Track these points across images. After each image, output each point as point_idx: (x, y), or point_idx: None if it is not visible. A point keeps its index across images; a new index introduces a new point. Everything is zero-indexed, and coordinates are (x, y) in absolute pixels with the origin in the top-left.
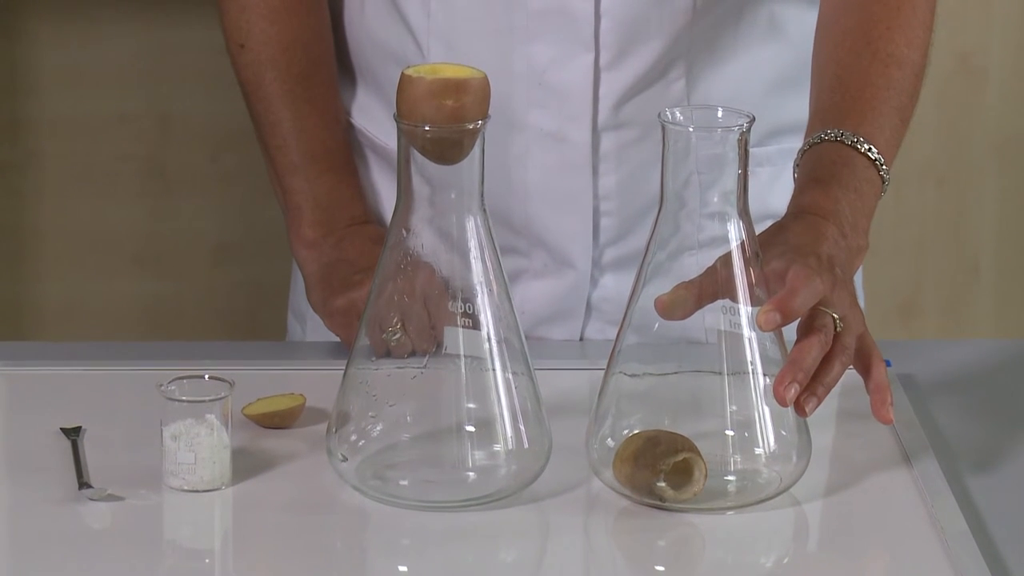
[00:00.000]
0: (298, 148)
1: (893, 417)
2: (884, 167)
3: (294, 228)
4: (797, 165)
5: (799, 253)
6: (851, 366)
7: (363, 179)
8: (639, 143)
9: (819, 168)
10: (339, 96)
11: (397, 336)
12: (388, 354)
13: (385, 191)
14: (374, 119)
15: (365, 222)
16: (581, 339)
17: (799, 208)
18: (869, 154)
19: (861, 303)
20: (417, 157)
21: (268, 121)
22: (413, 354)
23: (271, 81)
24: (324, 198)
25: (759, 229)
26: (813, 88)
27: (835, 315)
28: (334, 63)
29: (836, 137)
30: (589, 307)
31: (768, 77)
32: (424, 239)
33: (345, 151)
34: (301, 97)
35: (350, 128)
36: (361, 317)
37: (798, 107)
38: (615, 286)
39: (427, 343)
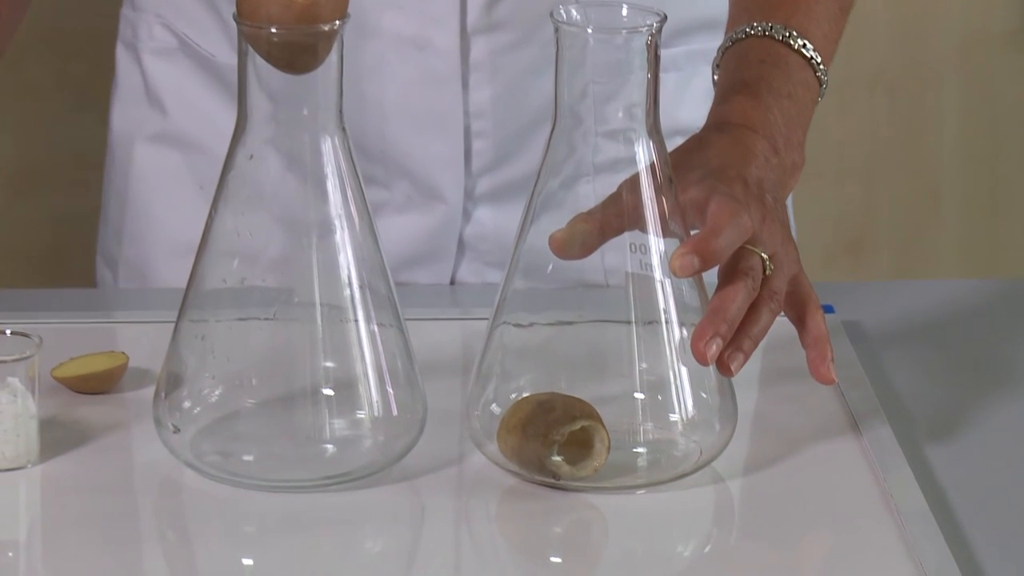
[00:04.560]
0: None
1: (835, 376)
2: (822, 66)
3: None
4: (717, 66)
5: (722, 179)
6: (783, 314)
7: (188, 104)
8: (517, 49)
9: (744, 69)
10: None
11: None
12: None
13: (218, 112)
14: (198, 24)
15: None
16: (452, 283)
17: (722, 119)
18: (804, 51)
19: (794, 234)
20: (261, 66)
21: None
22: None
23: None
24: None
25: (669, 147)
26: None
27: (764, 254)
28: None
29: (764, 31)
30: (462, 245)
31: None
32: (270, 165)
33: None
34: None
35: (168, 37)
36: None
37: None
38: (492, 221)
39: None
